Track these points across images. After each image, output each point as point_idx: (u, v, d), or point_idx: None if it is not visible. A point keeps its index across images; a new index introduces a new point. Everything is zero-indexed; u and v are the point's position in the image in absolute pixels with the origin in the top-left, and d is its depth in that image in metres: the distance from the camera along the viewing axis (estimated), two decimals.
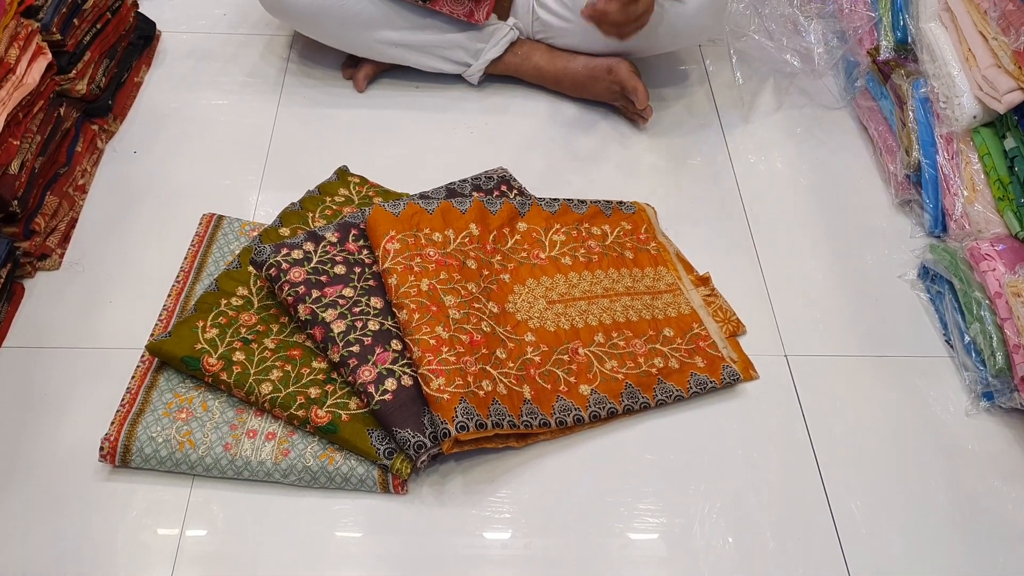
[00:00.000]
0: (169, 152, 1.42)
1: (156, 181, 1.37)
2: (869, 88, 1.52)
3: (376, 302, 1.12)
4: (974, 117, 1.26)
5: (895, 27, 1.44)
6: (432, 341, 1.05)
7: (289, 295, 1.10)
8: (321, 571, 0.97)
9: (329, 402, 1.04)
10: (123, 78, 1.47)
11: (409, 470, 1.01)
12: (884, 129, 1.47)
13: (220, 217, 1.29)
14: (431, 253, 1.16)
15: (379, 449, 1.01)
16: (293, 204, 1.28)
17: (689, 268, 1.30)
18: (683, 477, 1.07)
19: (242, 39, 1.64)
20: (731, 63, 1.60)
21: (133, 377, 1.09)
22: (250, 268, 1.16)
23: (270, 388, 1.04)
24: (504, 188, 1.36)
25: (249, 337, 1.10)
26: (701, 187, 1.44)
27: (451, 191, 1.32)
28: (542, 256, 1.24)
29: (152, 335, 1.14)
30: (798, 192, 1.44)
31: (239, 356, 1.07)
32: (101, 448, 1.01)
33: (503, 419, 1.03)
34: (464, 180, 1.35)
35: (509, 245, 1.24)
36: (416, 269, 1.13)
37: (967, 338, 1.18)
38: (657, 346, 1.17)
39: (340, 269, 1.14)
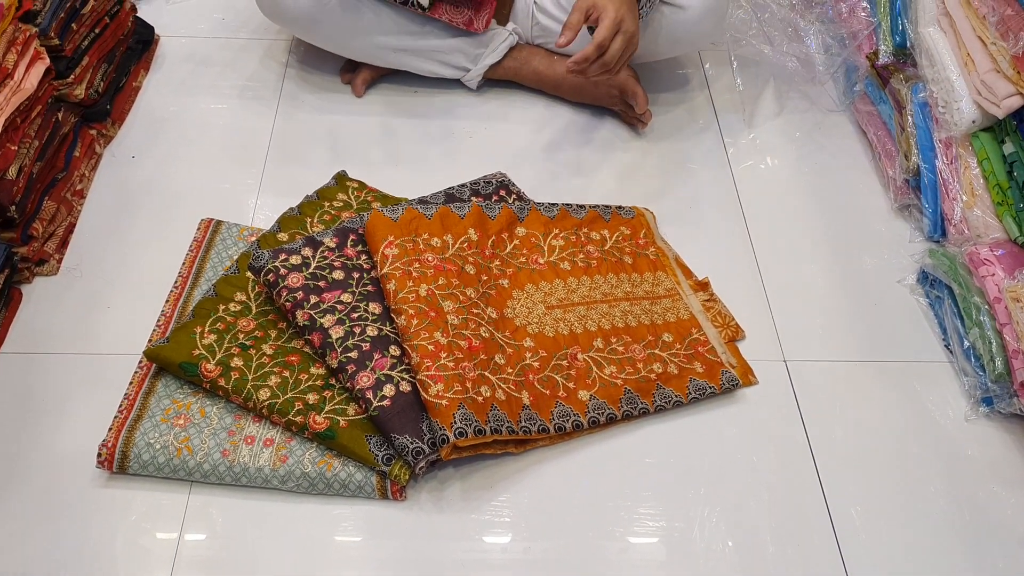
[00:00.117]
0: (167, 157, 1.42)
1: (154, 186, 1.37)
2: (868, 93, 1.52)
3: (374, 307, 1.12)
4: (973, 122, 1.26)
5: (894, 32, 1.44)
6: (431, 347, 1.05)
7: (287, 301, 1.10)
8: None
9: (327, 408, 1.04)
10: (121, 83, 1.47)
11: (407, 476, 1.01)
12: (883, 134, 1.47)
13: (218, 222, 1.29)
14: (430, 258, 1.15)
15: (377, 455, 1.01)
16: (292, 209, 1.28)
17: (688, 273, 1.30)
18: (683, 482, 1.07)
19: (241, 44, 1.64)
20: (731, 68, 1.60)
21: (131, 383, 1.08)
22: (248, 273, 1.16)
23: (268, 394, 1.04)
24: (503, 193, 1.35)
25: (247, 343, 1.09)
26: (700, 192, 1.44)
27: (450, 196, 1.32)
28: (541, 261, 1.24)
29: (150, 341, 1.14)
30: (797, 196, 1.44)
31: (237, 362, 1.07)
32: (99, 454, 1.01)
33: (502, 425, 1.02)
34: (463, 185, 1.34)
35: (508, 250, 1.24)
36: (415, 274, 1.12)
37: (966, 343, 1.18)
38: (656, 351, 1.17)
39: (338, 274, 1.14)
